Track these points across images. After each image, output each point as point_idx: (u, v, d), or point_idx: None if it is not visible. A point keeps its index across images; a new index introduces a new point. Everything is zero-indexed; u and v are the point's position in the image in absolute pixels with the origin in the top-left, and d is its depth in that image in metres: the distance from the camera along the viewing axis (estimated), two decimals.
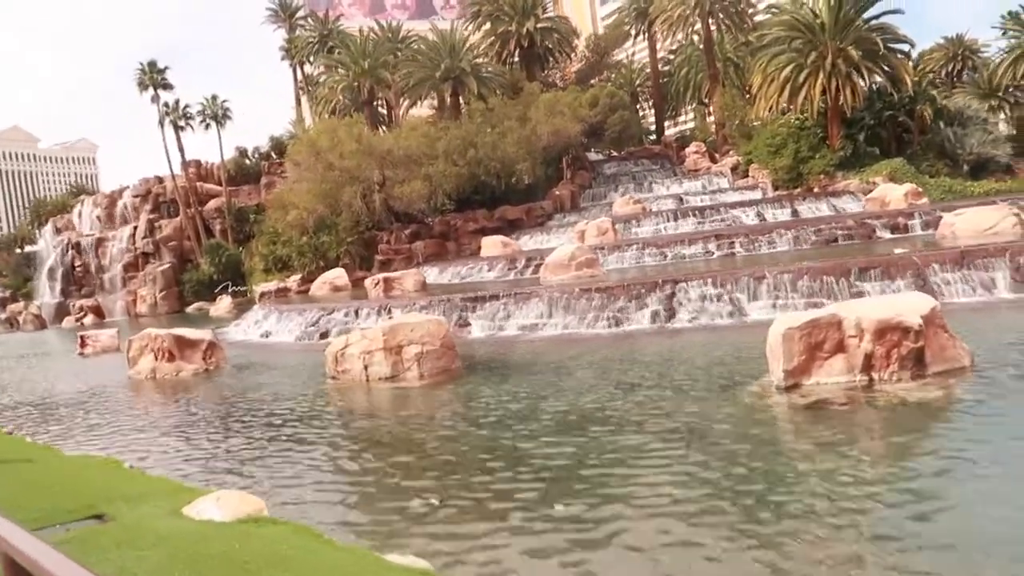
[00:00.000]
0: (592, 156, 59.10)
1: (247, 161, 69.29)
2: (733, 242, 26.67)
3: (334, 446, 10.64)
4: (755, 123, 53.36)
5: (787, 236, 26.10)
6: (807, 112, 39.79)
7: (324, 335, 24.84)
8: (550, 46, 58.08)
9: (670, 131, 68.55)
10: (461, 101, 48.78)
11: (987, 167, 39.70)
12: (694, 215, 36.05)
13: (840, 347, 10.31)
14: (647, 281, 19.71)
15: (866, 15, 39.79)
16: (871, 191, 36.38)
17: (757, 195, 41.42)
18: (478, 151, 42.28)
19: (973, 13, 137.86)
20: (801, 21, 40.63)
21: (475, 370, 15.76)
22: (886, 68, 38.91)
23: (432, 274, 33.41)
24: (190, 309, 60.35)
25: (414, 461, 9.49)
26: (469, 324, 21.54)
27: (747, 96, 56.12)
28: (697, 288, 18.84)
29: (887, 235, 25.71)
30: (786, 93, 39.83)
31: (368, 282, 28.98)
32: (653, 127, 66.95)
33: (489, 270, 31.14)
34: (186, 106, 64.73)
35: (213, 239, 63.82)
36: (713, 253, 26.57)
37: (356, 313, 25.03)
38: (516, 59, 57.81)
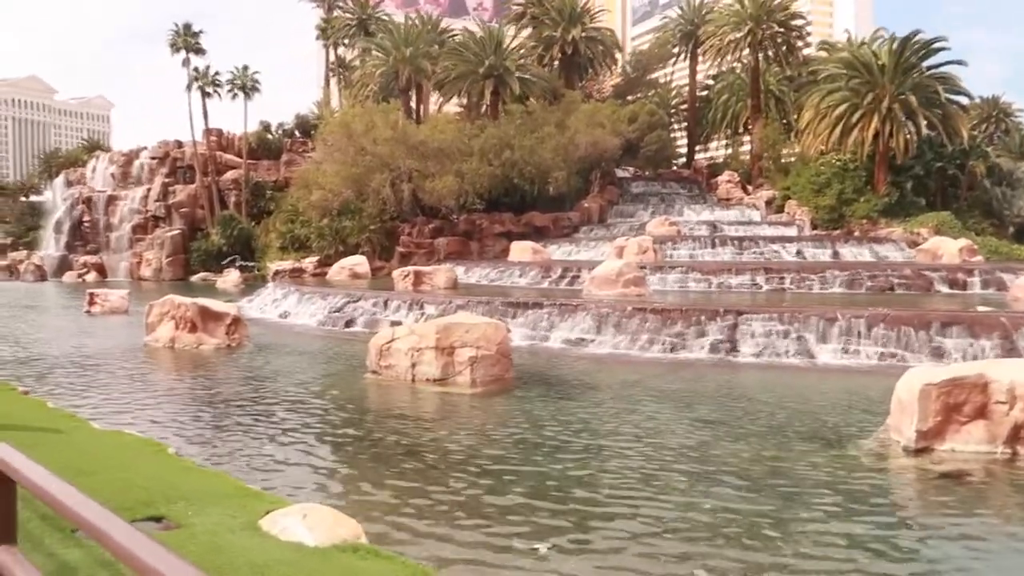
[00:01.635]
0: (619, 173, 58.21)
1: (269, 136, 68.08)
2: (783, 277, 25.54)
3: (406, 456, 9.40)
4: (792, 159, 52.53)
5: (840, 277, 24.98)
6: (856, 153, 38.78)
7: (349, 323, 23.67)
8: (592, 56, 57.05)
9: (699, 157, 67.58)
10: (500, 101, 47.62)
11: None
12: (732, 244, 34.98)
13: (982, 412, 9.14)
14: (708, 308, 18.55)
15: (927, 63, 38.86)
16: (915, 241, 35.43)
17: (792, 232, 40.42)
18: (514, 153, 41.18)
19: (1003, 78, 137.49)
20: (860, 60, 39.69)
21: (528, 383, 14.54)
22: (942, 118, 37.92)
23: (458, 273, 32.18)
24: (195, 279, 59.03)
25: (501, 486, 8.27)
26: (509, 331, 20.30)
27: (788, 131, 55.33)
28: (762, 322, 17.68)
29: (945, 289, 24.61)
30: (837, 131, 38.84)
31: (396, 273, 27.77)
32: (683, 151, 65.95)
33: (520, 276, 29.95)
34: (216, 73, 63.63)
35: (227, 211, 62.53)
36: (761, 286, 25.44)
37: (385, 304, 23.84)
38: (556, 66, 56.86)
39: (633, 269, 23.01)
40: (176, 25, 62.47)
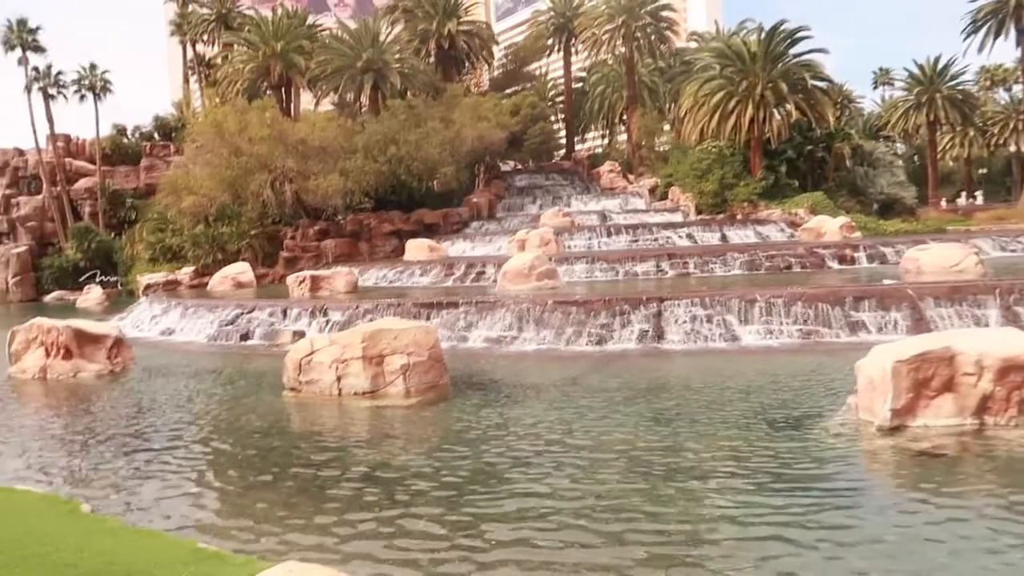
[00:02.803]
0: (501, 167, 57.89)
1: (125, 140, 62.88)
2: (687, 262, 25.85)
3: (361, 486, 8.30)
4: (668, 147, 54.04)
5: (740, 259, 25.56)
6: (734, 140, 40.15)
7: (245, 336, 21.85)
8: (469, 50, 56.33)
9: (578, 148, 68.43)
10: (379, 96, 45.99)
11: (894, 207, 41.55)
12: (625, 232, 35.35)
13: (949, 385, 9.13)
14: (631, 297, 18.28)
15: (793, 50, 40.77)
16: (794, 221, 37.08)
17: (678, 217, 41.43)
18: (400, 149, 39.84)
19: (836, 72, 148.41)
20: (733, 50, 41.13)
21: (463, 389, 13.66)
22: (809, 103, 39.88)
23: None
24: (49, 298, 53.71)
25: (477, 516, 7.38)
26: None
27: (662, 120, 56.89)
28: (686, 308, 17.58)
29: (836, 265, 25.69)
30: (715, 119, 40.05)
31: (291, 279, 26.00)
32: (562, 143, 66.54)
33: (422, 275, 28.84)
34: (59, 73, 58.06)
35: (82, 222, 57.31)
36: (667, 272, 25.64)
37: (284, 313, 22.17)
38: (432, 60, 55.71)
39: (544, 262, 22.52)
40: (8, 20, 56.47)
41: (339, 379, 13.06)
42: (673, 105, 57.23)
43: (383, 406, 12.51)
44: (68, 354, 16.86)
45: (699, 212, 41.19)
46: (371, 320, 20.30)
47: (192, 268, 39.08)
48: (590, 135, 73.08)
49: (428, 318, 19.73)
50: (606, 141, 68.95)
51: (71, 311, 43.38)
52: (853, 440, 9.35)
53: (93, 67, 58.55)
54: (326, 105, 55.28)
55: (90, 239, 54.53)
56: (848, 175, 42.13)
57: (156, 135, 63.71)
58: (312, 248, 40.45)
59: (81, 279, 53.27)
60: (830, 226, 30.97)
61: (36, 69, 57.06)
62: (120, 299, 47.97)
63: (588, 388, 13.35)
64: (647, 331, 17.30)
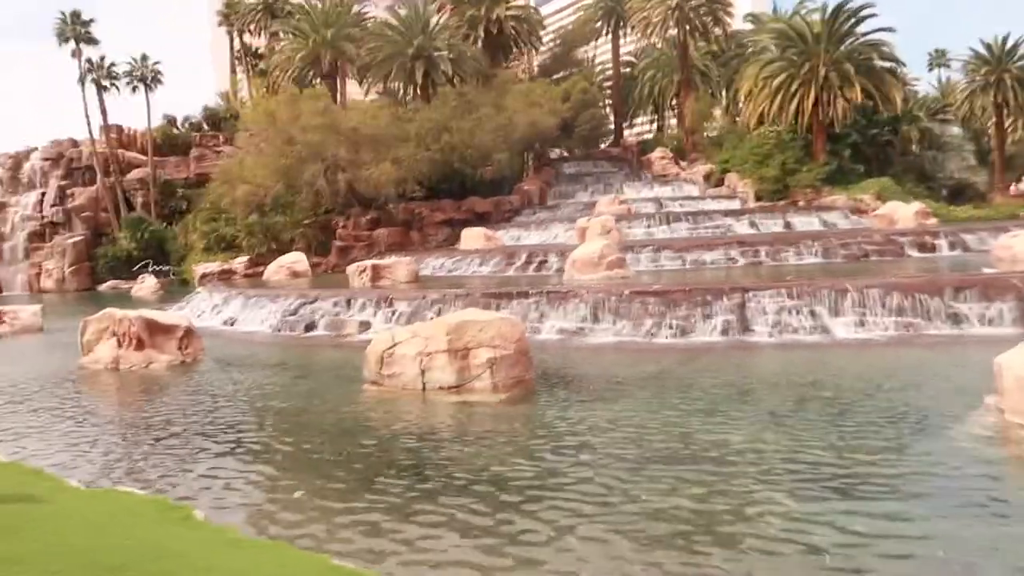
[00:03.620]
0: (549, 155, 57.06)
1: (176, 131, 63.54)
2: (758, 250, 24.90)
3: (468, 488, 7.76)
4: (715, 133, 52.62)
5: (815, 247, 24.53)
6: (797, 123, 38.83)
7: (310, 327, 21.55)
8: (517, 35, 55.49)
9: (627, 135, 67.25)
10: (430, 84, 45.49)
11: (964, 193, 39.86)
12: (685, 220, 34.39)
13: None
14: (713, 287, 17.49)
15: (859, 29, 39.22)
16: (859, 207, 35.75)
17: (736, 205, 40.26)
18: (452, 136, 39.32)
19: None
20: (795, 30, 39.70)
21: (550, 384, 13.04)
22: (876, 85, 38.35)
23: None
24: (103, 287, 54.60)
25: (600, 535, 6.77)
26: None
27: (717, 105, 55.52)
28: (771, 298, 16.73)
29: (915, 253, 24.54)
30: (777, 102, 38.74)
31: (352, 269, 25.64)
32: (611, 129, 65.42)
33: (481, 264, 28.31)
34: (112, 64, 58.78)
35: (134, 212, 58.13)
36: (737, 260, 24.73)
37: (348, 303, 21.79)
38: (479, 46, 55.04)
39: (614, 250, 21.80)
40: (63, 14, 57.24)
41: (423, 373, 12.56)
42: (727, 90, 55.92)
43: (471, 402, 11.96)
44: (140, 344, 16.67)
45: (758, 199, 39.98)
46: (438, 311, 19.87)
47: (246, 257, 39.15)
48: (638, 121, 71.85)
49: (498, 308, 19.12)
50: (655, 127, 67.67)
51: (126, 300, 43.81)
52: (1003, 444, 8.54)
53: (144, 58, 59.22)
54: (372, 95, 55.08)
55: (143, 229, 55.27)
56: (915, 159, 40.56)
57: (205, 125, 64.26)
58: (364, 237, 40.22)
59: (134, 268, 54.05)
60: (903, 212, 29.65)
61: (89, 61, 57.87)
62: (173, 288, 48.44)
63: (682, 385, 12.63)
64: (731, 323, 16.51)
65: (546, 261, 26.35)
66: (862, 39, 39.17)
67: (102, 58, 58.28)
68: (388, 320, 20.48)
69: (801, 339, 15.88)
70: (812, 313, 16.41)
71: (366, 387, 13.13)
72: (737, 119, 52.78)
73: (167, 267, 53.58)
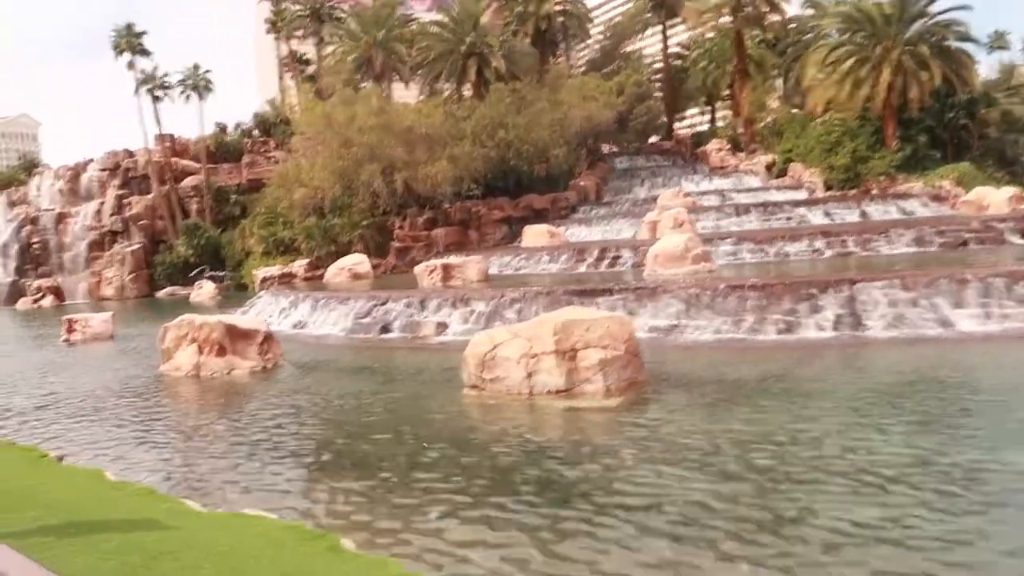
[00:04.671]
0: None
1: (227, 138, 64.00)
2: (845, 240, 23.60)
3: (617, 509, 6.91)
4: (774, 121, 50.92)
5: (907, 236, 23.14)
6: (867, 109, 37.17)
7: (385, 329, 20.93)
8: (566, 29, 54.62)
9: (678, 127, 65.81)
10: (482, 81, 44.83)
11: None
12: (754, 211, 33.11)
13: None
14: (818, 280, 16.39)
15: (931, 8, 37.40)
16: (937, 194, 34.03)
17: (802, 195, 38.76)
18: (508, 133, 38.56)
19: None
20: (863, 12, 38.02)
21: (662, 386, 12.15)
22: (952, 67, 36.51)
23: None
24: (161, 294, 55.17)
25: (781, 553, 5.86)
26: None
27: (774, 94, 53.87)
28: (884, 290, 15.56)
29: (1018, 240, 22.95)
30: (846, 88, 37.12)
31: (420, 269, 25.02)
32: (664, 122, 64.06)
33: (550, 261, 27.47)
34: (165, 74, 59.44)
35: (190, 219, 58.62)
36: (823, 252, 23.46)
37: (422, 304, 21.12)
38: (527, 42, 54.26)
39: (698, 243, 20.76)
40: (117, 26, 58.12)
41: (529, 376, 11.75)
42: (785, 78, 54.23)
43: (584, 407, 11.11)
44: (221, 351, 16.21)
45: (828, 188, 38.41)
46: (518, 311, 19.12)
47: (306, 260, 38.90)
48: (688, 113, 70.32)
49: (583, 305, 18.30)
50: (707, 119, 66.09)
51: (185, 306, 44.00)
52: None
53: (196, 67, 59.74)
54: (415, 95, 54.64)
55: (199, 235, 55.68)
56: (995, 143, 38.49)
57: (256, 132, 64.60)
58: (422, 237, 39.72)
59: (191, 275, 54.48)
60: (995, 198, 27.96)
61: (143, 71, 58.55)
62: (229, 293, 48.59)
63: (808, 387, 11.62)
64: (842, 317, 15.38)
65: (619, 257, 25.40)
66: (935, 19, 37.31)
67: (155, 68, 59.01)
68: (465, 320, 19.78)
69: (922, 333, 14.68)
70: (931, 305, 15.21)
71: (466, 391, 12.38)
72: (795, 108, 51.14)
73: (222, 272, 53.89)
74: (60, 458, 9.34)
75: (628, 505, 7.05)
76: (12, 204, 65.65)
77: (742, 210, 33.12)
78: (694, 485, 7.47)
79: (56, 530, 5.77)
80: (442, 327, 19.74)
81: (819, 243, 23.78)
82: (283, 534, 6.01)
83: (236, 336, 16.47)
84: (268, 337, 16.95)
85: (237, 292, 48.42)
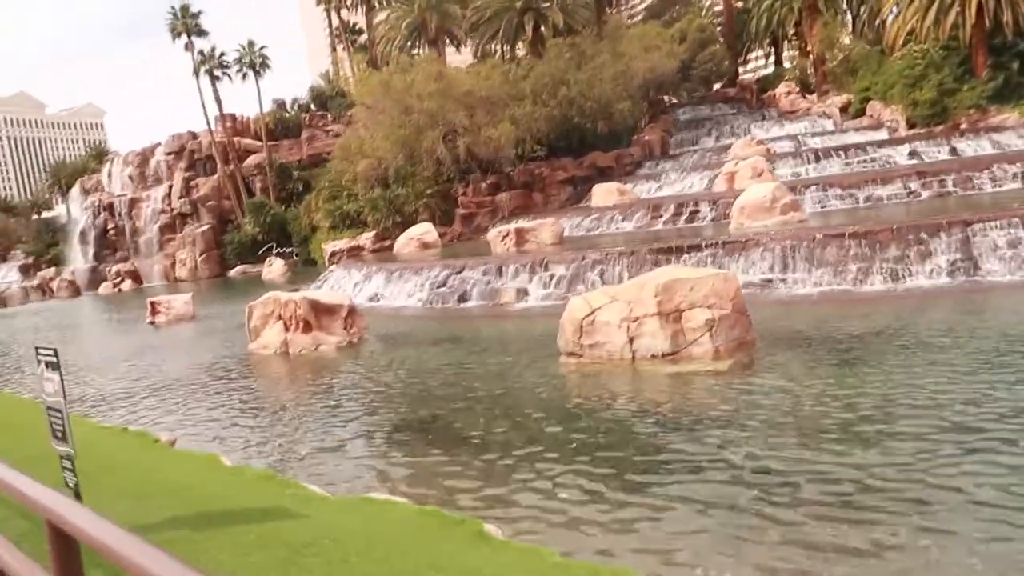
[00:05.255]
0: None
1: (287, 114, 64.35)
2: (944, 180, 22.16)
3: (763, 490, 6.39)
4: (857, 58, 48.32)
5: (1014, 171, 21.56)
6: (956, 38, 34.75)
7: (463, 297, 20.64)
8: None
9: (741, 74, 63.24)
10: (539, 38, 43.64)
11: None
12: (835, 156, 31.53)
13: None
14: (927, 223, 15.32)
15: None
16: None
17: (882, 135, 36.73)
18: (571, 89, 37.49)
19: None
20: None
21: (771, 344, 11.48)
22: None
23: None
24: (233, 273, 56.33)
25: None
26: None
27: (845, 31, 51.13)
28: (1003, 231, 14.43)
29: None
30: (931, 15, 34.75)
31: (493, 234, 24.61)
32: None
33: (624, 220, 26.69)
34: (222, 54, 59.82)
35: (255, 198, 59.42)
36: (919, 194, 22.09)
37: (499, 271, 20.72)
38: None
39: (786, 192, 19.75)
40: (173, 8, 58.54)
41: (631, 340, 11.24)
42: (857, 12, 51.39)
43: (693, 371, 10.56)
44: (307, 327, 16.15)
45: (911, 126, 36.26)
46: (600, 272, 18.55)
47: (372, 232, 38.90)
48: (751, 57, 67.47)
49: (668, 263, 17.63)
50: (771, 62, 63.32)
51: (258, 284, 44.78)
52: None
53: (251, 44, 59.88)
54: (465, 59, 53.68)
55: (265, 213, 56.38)
56: None
57: (313, 106, 64.77)
58: (487, 203, 39.22)
59: (259, 252, 55.39)
60: None
61: (202, 52, 59.03)
62: (298, 269, 49.24)
63: (932, 340, 10.79)
64: (957, 262, 14.34)
65: (698, 211, 24.48)
66: None
67: (212, 48, 59.38)
68: (546, 286, 19.33)
69: None
70: None
71: (563, 359, 11.95)
72: (868, 45, 48.40)
73: (289, 248, 54.59)
74: (172, 442, 9.30)
75: (787, 482, 6.51)
76: (86, 192, 67.76)
77: (821, 155, 31.59)
78: (846, 459, 6.88)
79: (189, 522, 5.58)
80: (522, 293, 19.33)
81: (914, 184, 22.41)
82: (422, 520, 5.69)
83: (321, 311, 16.39)
84: (352, 311, 16.82)
85: (305, 267, 49.03)
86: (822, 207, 22.65)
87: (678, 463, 7.16)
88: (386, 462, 8.23)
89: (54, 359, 5.35)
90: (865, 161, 30.62)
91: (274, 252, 53.83)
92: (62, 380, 5.35)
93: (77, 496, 5.39)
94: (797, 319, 13.34)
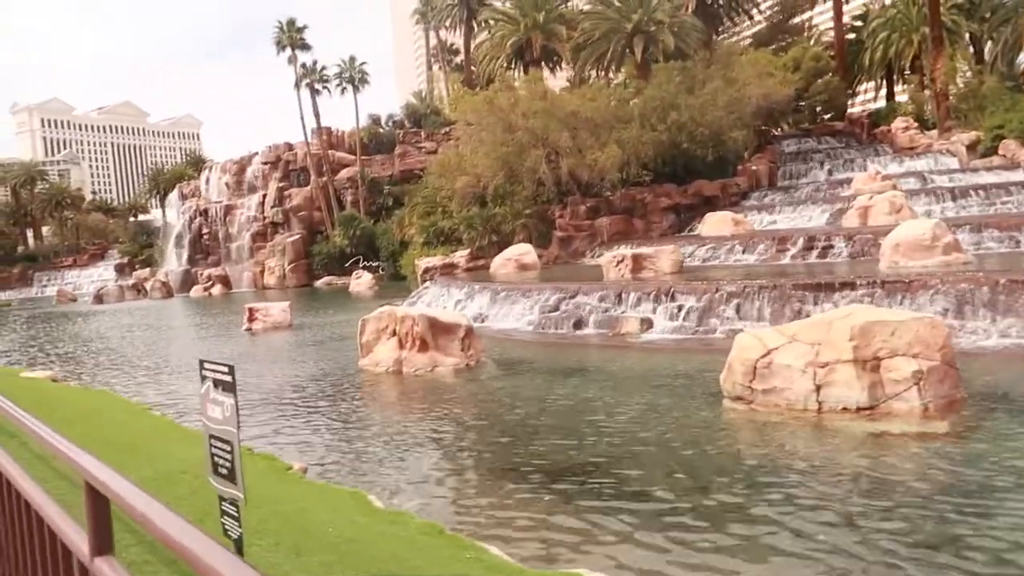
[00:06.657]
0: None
1: (381, 130, 64.91)
2: None
3: None
4: (986, 93, 45.36)
5: None
6: None
7: (579, 324, 19.30)
8: (733, 2, 51.09)
9: (851, 106, 60.46)
10: (647, 61, 42.39)
11: None
12: (974, 195, 29.06)
13: None
14: None
15: None
16: None
17: (1020, 176, 33.89)
18: (681, 115, 36.00)
19: None
20: None
21: (984, 404, 9.72)
22: None
23: None
24: (319, 283, 56.64)
25: None
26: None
27: (969, 65, 48.28)
28: None
29: None
30: None
31: (606, 259, 23.27)
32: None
33: (744, 251, 24.95)
34: (323, 68, 60.83)
35: (345, 211, 59.82)
36: None
37: (619, 298, 19.32)
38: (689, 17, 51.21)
39: (946, 231, 17.75)
40: (280, 22, 59.94)
41: (818, 388, 9.67)
42: (981, 47, 48.49)
43: (899, 432, 8.90)
44: (424, 346, 15.08)
45: None
46: (736, 307, 16.97)
47: (467, 250, 38.10)
48: (860, 89, 64.64)
49: (816, 303, 15.93)
50: (881, 94, 60.41)
51: (345, 296, 44.58)
52: None
53: (352, 60, 60.73)
54: (561, 81, 52.80)
55: (355, 226, 56.59)
56: None
57: (407, 123, 65.13)
58: (585, 227, 37.93)
59: (347, 264, 55.53)
60: None
61: (304, 66, 60.13)
62: (385, 283, 48.94)
63: None
64: None
65: (831, 246, 22.59)
66: None
67: (314, 62, 60.44)
68: (673, 317, 17.83)
69: None
70: None
71: (728, 403, 10.45)
72: (1001, 79, 45.38)
73: (376, 263, 54.53)
74: (304, 470, 8.23)
75: None
76: (184, 197, 69.70)
77: (958, 193, 29.15)
78: None
79: None
80: (646, 324, 17.87)
81: None
82: None
83: (438, 330, 15.31)
84: (469, 331, 15.70)
85: (391, 282, 48.70)
86: (979, 248, 20.46)
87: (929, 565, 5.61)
88: (562, 518, 6.89)
89: (228, 378, 4.22)
90: (1010, 203, 28.12)
91: (361, 265, 53.88)
92: (236, 405, 4.21)
93: (239, 551, 4.25)
94: (998, 374, 11.47)
